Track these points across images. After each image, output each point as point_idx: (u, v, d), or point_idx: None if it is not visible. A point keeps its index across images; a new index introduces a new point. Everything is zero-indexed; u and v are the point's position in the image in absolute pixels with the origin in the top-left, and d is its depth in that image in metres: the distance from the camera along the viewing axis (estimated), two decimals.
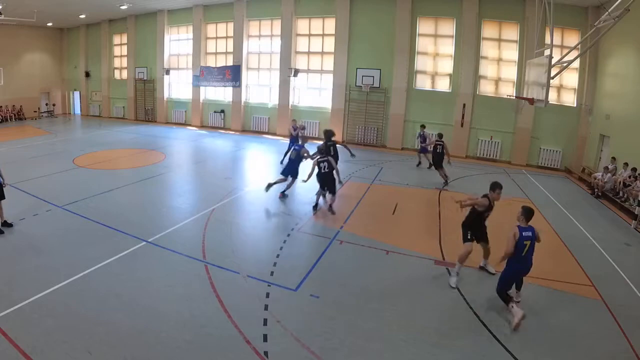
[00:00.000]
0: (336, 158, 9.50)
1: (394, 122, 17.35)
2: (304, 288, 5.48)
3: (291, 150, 9.84)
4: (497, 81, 16.26)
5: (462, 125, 16.40)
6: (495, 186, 5.74)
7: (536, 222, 8.83)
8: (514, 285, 5.32)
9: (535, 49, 10.24)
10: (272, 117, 20.00)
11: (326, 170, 8.39)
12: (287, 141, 18.06)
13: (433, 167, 12.29)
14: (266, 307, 4.94)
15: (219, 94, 21.67)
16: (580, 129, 14.99)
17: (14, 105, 23.54)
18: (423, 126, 14.41)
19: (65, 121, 24.19)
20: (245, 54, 20.18)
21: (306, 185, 8.80)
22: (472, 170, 14.00)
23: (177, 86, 23.08)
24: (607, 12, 8.56)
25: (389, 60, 17.04)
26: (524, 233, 4.95)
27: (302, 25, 18.89)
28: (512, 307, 4.91)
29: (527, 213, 5.08)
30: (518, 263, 5.00)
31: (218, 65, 21.00)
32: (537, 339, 4.64)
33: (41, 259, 5.92)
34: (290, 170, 9.27)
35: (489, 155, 16.32)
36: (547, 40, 10.04)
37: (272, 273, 5.85)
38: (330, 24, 18.17)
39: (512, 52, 15.81)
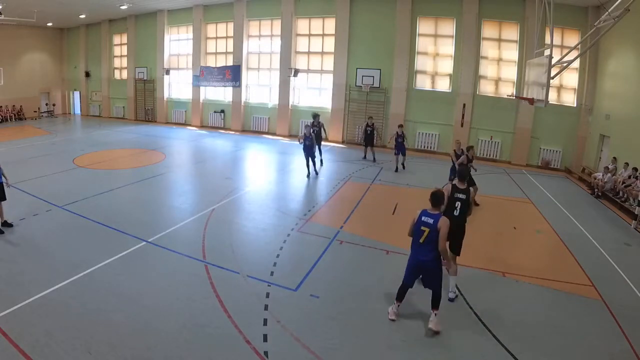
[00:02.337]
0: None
1: (394, 122, 17.28)
2: (304, 288, 5.48)
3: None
4: (497, 81, 16.25)
5: (462, 125, 16.39)
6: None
7: (537, 222, 9.00)
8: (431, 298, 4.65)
9: (535, 49, 10.22)
10: (272, 117, 20.00)
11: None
12: (286, 141, 18.22)
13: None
14: (266, 307, 4.94)
15: (219, 94, 21.66)
16: (580, 129, 14.98)
17: (14, 105, 23.54)
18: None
19: (65, 121, 24.18)
20: (245, 54, 20.18)
21: (308, 185, 8.77)
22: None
23: (177, 86, 23.07)
24: (607, 12, 8.56)
25: (389, 60, 17.03)
26: (423, 217, 4.54)
27: (302, 25, 18.88)
28: (391, 309, 4.76)
29: (432, 197, 4.61)
30: (413, 252, 4.63)
31: (218, 65, 20.99)
32: (537, 338, 4.63)
33: (41, 259, 5.92)
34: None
35: (489, 155, 16.31)
36: (547, 40, 10.04)
37: (272, 273, 5.85)
38: (330, 24, 18.16)
39: (512, 52, 15.79)
